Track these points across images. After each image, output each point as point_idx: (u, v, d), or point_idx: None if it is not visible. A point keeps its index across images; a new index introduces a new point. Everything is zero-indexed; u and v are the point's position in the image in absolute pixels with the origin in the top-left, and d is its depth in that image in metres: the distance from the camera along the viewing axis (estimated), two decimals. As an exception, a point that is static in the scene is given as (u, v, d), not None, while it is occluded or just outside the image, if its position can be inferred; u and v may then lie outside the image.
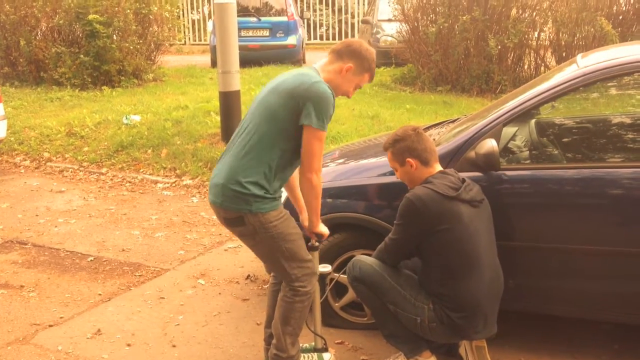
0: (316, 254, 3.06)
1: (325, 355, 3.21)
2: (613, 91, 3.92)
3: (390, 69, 11.86)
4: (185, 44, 17.63)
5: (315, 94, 2.71)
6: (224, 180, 2.79)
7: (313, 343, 3.26)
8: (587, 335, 3.48)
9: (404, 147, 2.95)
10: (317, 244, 3.06)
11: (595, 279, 3.12)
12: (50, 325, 3.76)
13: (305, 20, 16.99)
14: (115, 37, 10.78)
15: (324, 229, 3.01)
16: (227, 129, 7.30)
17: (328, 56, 2.93)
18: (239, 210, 2.77)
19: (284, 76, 2.90)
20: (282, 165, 2.81)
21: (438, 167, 2.98)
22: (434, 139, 3.53)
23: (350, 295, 3.50)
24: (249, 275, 4.41)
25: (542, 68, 9.87)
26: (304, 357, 3.18)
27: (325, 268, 3.17)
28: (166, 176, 6.93)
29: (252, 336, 3.59)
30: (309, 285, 2.95)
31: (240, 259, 4.75)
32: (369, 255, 3.12)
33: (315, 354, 3.20)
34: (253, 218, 2.77)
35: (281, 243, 2.83)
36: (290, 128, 2.75)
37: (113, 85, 10.87)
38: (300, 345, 3.21)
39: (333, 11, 18.48)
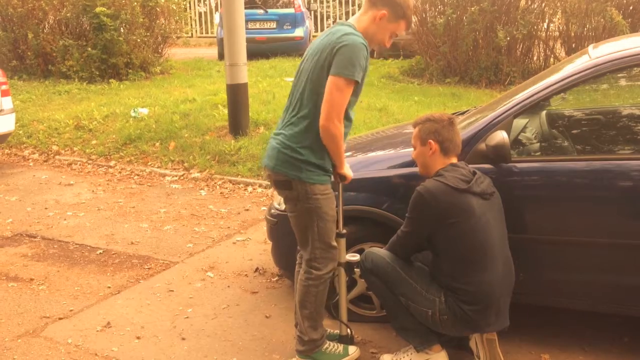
0: (342, 241, 3.09)
1: (351, 348, 3.22)
2: (624, 82, 3.88)
3: (399, 61, 11.83)
4: (192, 36, 17.63)
5: (345, 44, 2.70)
6: (278, 145, 2.88)
7: (338, 331, 3.28)
8: (597, 329, 3.46)
9: (432, 128, 2.95)
10: (344, 231, 3.08)
11: (606, 272, 3.10)
12: (60, 318, 3.77)
13: (312, 12, 16.93)
14: (122, 30, 10.81)
15: (348, 172, 3.01)
16: (235, 121, 7.30)
17: (363, 5, 2.90)
18: (290, 174, 2.85)
19: (318, 38, 2.89)
20: None
21: (453, 161, 2.96)
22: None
23: (359, 288, 3.49)
24: (257, 268, 4.40)
25: (552, 59, 9.81)
26: (329, 344, 3.20)
27: (354, 257, 3.17)
28: (174, 169, 6.94)
29: (261, 329, 3.59)
30: (324, 269, 2.98)
31: (248, 251, 4.75)
32: (379, 248, 3.12)
33: (341, 345, 3.21)
34: (300, 185, 2.85)
35: (315, 218, 2.89)
36: None
37: (121, 78, 10.89)
38: (328, 331, 3.24)
39: (340, 3, 18.40)
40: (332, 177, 3.00)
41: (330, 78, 2.71)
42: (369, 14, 2.85)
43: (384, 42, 2.91)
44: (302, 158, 2.82)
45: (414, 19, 10.52)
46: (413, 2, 2.89)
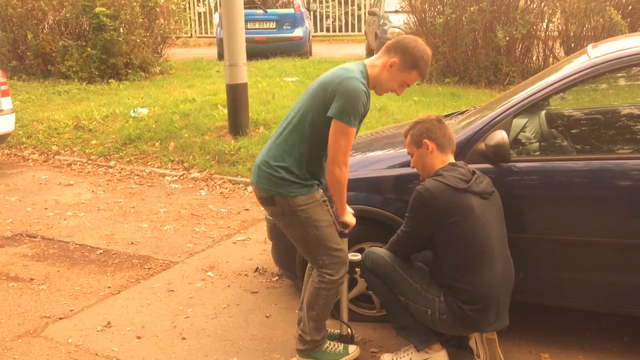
0: (345, 241, 3.09)
1: (351, 347, 3.22)
2: (623, 82, 3.88)
3: (398, 61, 11.81)
4: (191, 36, 17.64)
5: (345, 89, 2.73)
6: (259, 161, 2.95)
7: (338, 330, 3.29)
8: (597, 328, 3.47)
9: (423, 129, 2.97)
10: (345, 231, 3.08)
11: (606, 271, 3.10)
12: (61, 318, 3.77)
13: (312, 12, 16.94)
14: (122, 30, 10.80)
15: (350, 219, 3.03)
16: (235, 121, 7.30)
17: (380, 50, 2.93)
18: (270, 190, 2.89)
19: (331, 70, 2.92)
20: (315, 155, 2.87)
21: (451, 158, 2.97)
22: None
23: (359, 287, 3.50)
24: (257, 268, 4.41)
25: (551, 59, 9.81)
26: (330, 344, 3.21)
27: (356, 256, 3.17)
28: (174, 169, 6.94)
29: (261, 329, 3.59)
30: (336, 274, 2.98)
31: (249, 251, 4.75)
32: (379, 247, 3.12)
33: (342, 344, 3.22)
34: (282, 200, 2.88)
35: (309, 229, 2.90)
36: (321, 120, 2.79)
37: (120, 78, 10.89)
38: (328, 330, 3.25)
39: (339, 3, 18.42)
40: (336, 224, 3.02)
41: (335, 123, 2.74)
42: (381, 60, 2.88)
43: (394, 90, 2.92)
44: (279, 175, 2.86)
45: (412, 18, 10.53)
46: (429, 55, 2.86)
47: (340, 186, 2.86)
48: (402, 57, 2.83)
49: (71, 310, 3.86)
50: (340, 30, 18.61)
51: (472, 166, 3.00)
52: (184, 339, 3.51)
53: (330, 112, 2.75)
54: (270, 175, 2.87)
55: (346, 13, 18.38)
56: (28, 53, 11.46)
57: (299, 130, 2.86)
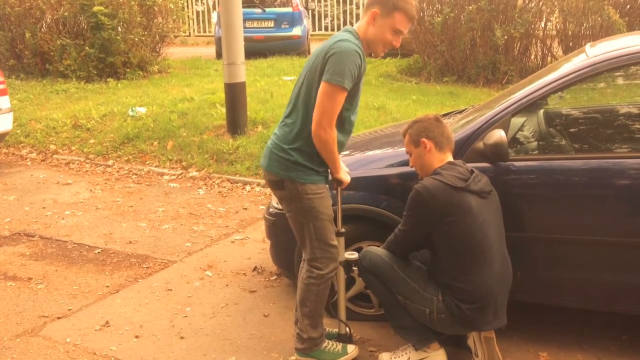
0: (341, 240, 3.09)
1: (350, 347, 3.22)
2: (621, 81, 3.89)
3: (396, 60, 11.83)
4: (189, 35, 17.61)
5: (337, 50, 2.71)
6: (271, 144, 2.94)
7: (337, 330, 3.29)
8: (595, 327, 3.47)
9: (421, 128, 2.97)
10: (342, 230, 3.08)
11: (603, 270, 3.10)
12: (59, 317, 3.77)
13: (310, 11, 16.92)
14: (120, 29, 10.78)
15: (345, 176, 3.01)
16: (233, 120, 7.29)
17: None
18: (281, 174, 2.88)
19: (323, 42, 2.91)
20: None
21: (450, 157, 2.97)
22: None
23: (358, 287, 3.49)
24: (256, 267, 4.41)
25: (549, 58, 9.82)
26: (328, 343, 3.21)
27: (352, 255, 3.17)
28: (172, 168, 6.94)
29: (259, 328, 3.59)
30: (325, 269, 2.99)
31: (247, 250, 4.75)
32: (377, 246, 3.12)
33: (340, 343, 3.22)
34: (292, 185, 2.87)
35: (310, 219, 2.91)
36: None
37: (118, 77, 10.88)
38: (327, 330, 3.25)
39: (338, 2, 18.39)
40: (329, 180, 3.01)
41: (321, 84, 2.72)
42: (365, 18, 2.86)
43: (387, 41, 2.85)
44: (292, 159, 2.86)
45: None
46: None
47: (329, 147, 2.81)
48: (381, 4, 2.79)
49: (69, 310, 3.86)
50: (338, 29, 18.53)
51: (470, 165, 2.99)
52: (182, 338, 3.51)
53: (323, 76, 2.72)
54: (283, 158, 2.87)
55: (344, 12, 18.35)
56: (26, 52, 11.45)
57: (305, 106, 2.83)
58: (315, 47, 3.00)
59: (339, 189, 3.06)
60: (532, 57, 10.12)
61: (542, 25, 9.91)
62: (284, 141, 2.89)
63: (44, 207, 5.85)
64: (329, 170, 2.98)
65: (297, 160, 2.85)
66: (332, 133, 2.78)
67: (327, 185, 2.99)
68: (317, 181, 2.90)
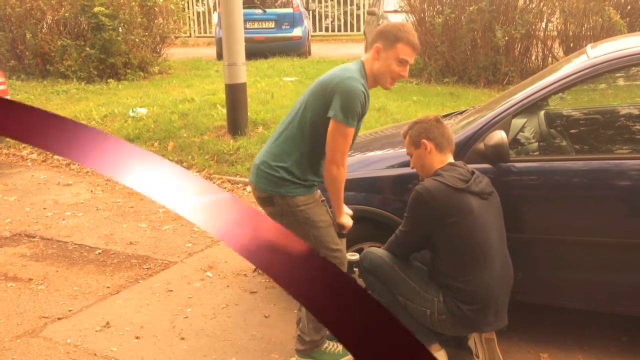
0: (343, 241, 3.09)
1: None
2: (622, 82, 3.89)
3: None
4: (190, 36, 17.62)
5: (344, 89, 2.74)
6: (259, 161, 2.95)
7: None
8: (595, 328, 3.47)
9: (421, 129, 2.97)
10: (343, 232, 3.08)
11: (604, 271, 3.11)
12: (59, 318, 3.77)
13: (311, 12, 16.93)
14: (120, 30, 10.79)
15: (347, 221, 3.03)
16: (234, 121, 7.29)
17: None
18: (269, 190, 2.89)
19: (330, 70, 2.94)
20: (315, 156, 2.88)
21: (450, 158, 2.97)
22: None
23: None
24: (256, 268, 4.41)
25: (550, 59, 9.81)
26: (329, 344, 3.21)
27: (354, 256, 3.17)
28: (173, 169, 6.92)
29: (260, 329, 3.59)
30: None
31: (247, 251, 4.74)
32: (378, 247, 3.12)
33: (340, 344, 3.20)
34: (281, 200, 2.88)
35: (308, 229, 2.90)
36: (321, 120, 2.80)
37: (119, 78, 10.88)
38: (327, 331, 3.24)
39: (338, 3, 18.41)
40: (334, 224, 3.01)
41: (333, 123, 2.75)
42: (370, 54, 2.90)
43: (395, 72, 2.87)
44: (278, 175, 2.87)
45: (411, 18, 10.53)
46: (406, 25, 2.90)
47: (337, 186, 2.87)
48: (382, 38, 2.86)
49: (70, 311, 3.86)
50: (339, 30, 18.60)
51: (471, 166, 2.99)
52: (182, 339, 3.51)
53: (330, 111, 2.76)
54: (270, 175, 2.88)
55: (345, 13, 18.37)
56: (27, 53, 11.45)
57: (299, 131, 2.87)
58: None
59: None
60: (533, 58, 10.11)
61: (543, 26, 9.90)
62: (272, 158, 2.90)
63: (44, 208, 5.85)
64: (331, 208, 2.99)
65: (282, 177, 2.86)
66: (344, 171, 2.84)
67: (315, 194, 2.98)
68: (305, 192, 2.91)
